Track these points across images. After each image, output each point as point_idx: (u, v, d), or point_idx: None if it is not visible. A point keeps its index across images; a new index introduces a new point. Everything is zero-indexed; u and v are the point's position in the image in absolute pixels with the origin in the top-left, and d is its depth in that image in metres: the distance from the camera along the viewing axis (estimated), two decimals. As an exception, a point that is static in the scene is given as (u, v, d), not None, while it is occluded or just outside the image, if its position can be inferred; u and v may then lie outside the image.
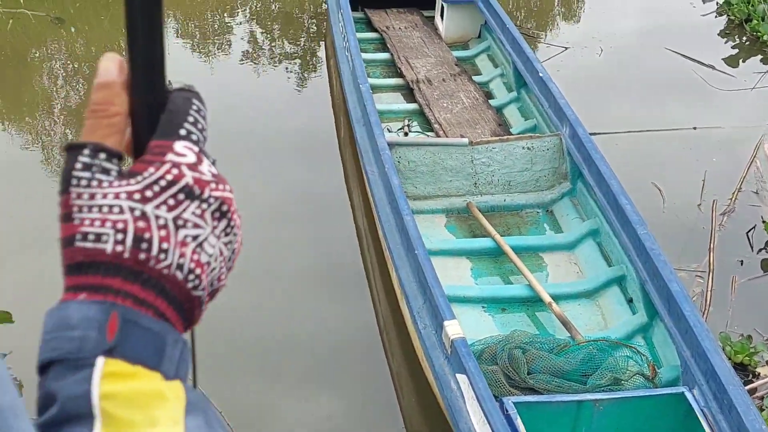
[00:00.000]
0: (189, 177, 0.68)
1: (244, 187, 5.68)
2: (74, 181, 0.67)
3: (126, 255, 0.66)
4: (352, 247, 5.10)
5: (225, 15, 8.75)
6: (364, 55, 6.29)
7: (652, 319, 3.96)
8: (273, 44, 8.13)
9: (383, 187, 4.58)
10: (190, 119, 0.71)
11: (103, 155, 0.68)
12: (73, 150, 0.68)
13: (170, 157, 0.68)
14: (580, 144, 4.77)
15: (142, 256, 0.67)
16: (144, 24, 0.69)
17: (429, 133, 5.68)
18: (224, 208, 0.70)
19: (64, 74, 7.40)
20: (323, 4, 8.39)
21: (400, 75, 6.42)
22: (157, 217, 0.67)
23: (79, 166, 0.67)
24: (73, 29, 8.00)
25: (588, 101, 6.36)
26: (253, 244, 5.11)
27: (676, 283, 3.70)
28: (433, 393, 3.72)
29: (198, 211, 0.69)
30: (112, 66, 0.69)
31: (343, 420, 4.00)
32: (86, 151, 0.68)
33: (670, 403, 3.36)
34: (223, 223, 0.71)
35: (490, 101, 6.01)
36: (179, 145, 0.69)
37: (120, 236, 0.66)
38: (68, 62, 7.57)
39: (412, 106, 6.03)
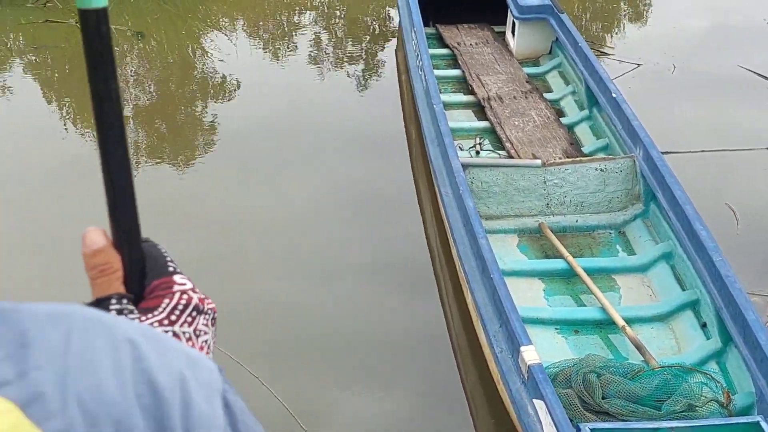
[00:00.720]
0: (195, 298, 0.86)
1: (311, 182, 5.85)
2: None
3: None
4: (423, 260, 5.19)
5: (294, 17, 8.92)
6: (436, 72, 6.37)
7: (726, 344, 3.98)
8: (339, 47, 8.27)
9: (457, 209, 4.65)
10: (168, 258, 0.89)
11: (125, 300, 0.83)
12: (101, 303, 0.82)
13: (176, 288, 0.86)
14: (654, 167, 4.80)
15: None
16: (123, 206, 0.87)
17: (500, 152, 5.74)
18: (215, 315, 0.88)
19: (135, 79, 7.60)
20: (388, 8, 8.54)
21: (472, 92, 6.49)
22: (184, 333, 0.84)
23: (113, 313, 0.81)
24: (152, 42, 8.20)
25: (661, 119, 6.37)
26: (318, 241, 5.27)
27: (751, 312, 3.72)
28: (509, 416, 3.78)
29: (204, 321, 0.86)
30: (97, 236, 0.85)
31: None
32: (114, 301, 0.82)
33: (746, 433, 3.38)
34: (215, 326, 0.89)
35: (561, 119, 6.04)
36: (177, 278, 0.87)
37: None
38: (140, 67, 7.77)
39: (484, 123, 6.10)
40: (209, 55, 8.04)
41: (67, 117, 7.06)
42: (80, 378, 0.53)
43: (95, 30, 0.81)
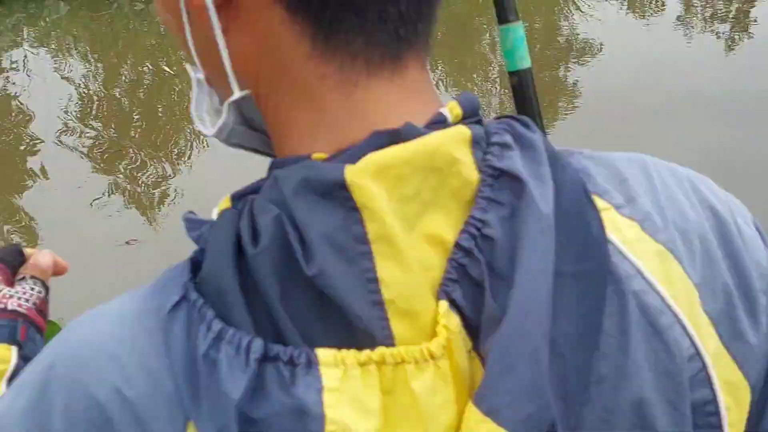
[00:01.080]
0: None
1: (680, 148, 5.63)
2: None
3: None
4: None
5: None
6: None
7: None
8: (708, 5, 7.93)
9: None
10: None
11: None
12: None
13: None
14: None
15: None
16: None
17: None
18: None
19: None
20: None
21: None
22: None
23: None
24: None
25: None
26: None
27: None
28: None
29: None
30: None
31: None
32: None
33: None
34: None
35: None
36: None
37: None
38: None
39: None
40: (580, 13, 8.00)
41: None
42: (668, 204, 0.64)
43: (525, 84, 1.07)
